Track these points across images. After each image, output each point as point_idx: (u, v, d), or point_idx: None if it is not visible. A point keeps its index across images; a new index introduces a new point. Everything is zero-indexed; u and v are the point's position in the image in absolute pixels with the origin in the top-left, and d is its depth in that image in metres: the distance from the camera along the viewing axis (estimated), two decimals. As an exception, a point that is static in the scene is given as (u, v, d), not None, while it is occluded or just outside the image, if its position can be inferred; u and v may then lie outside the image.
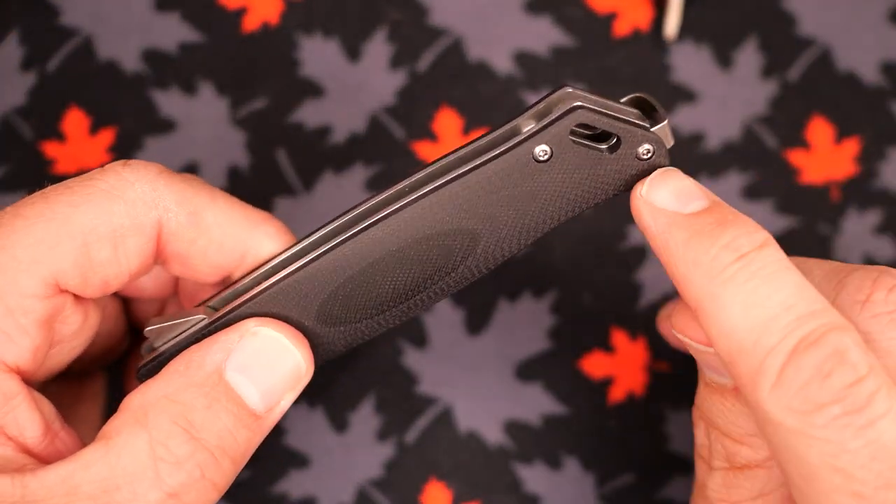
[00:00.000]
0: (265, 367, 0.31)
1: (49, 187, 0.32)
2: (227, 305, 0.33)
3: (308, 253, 0.32)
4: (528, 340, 0.44)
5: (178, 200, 0.33)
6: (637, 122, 0.32)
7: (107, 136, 0.44)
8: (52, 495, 0.28)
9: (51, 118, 0.45)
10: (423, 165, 0.33)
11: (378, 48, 0.45)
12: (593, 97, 0.32)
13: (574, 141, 0.32)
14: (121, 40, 0.45)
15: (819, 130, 0.45)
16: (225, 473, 0.31)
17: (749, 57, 0.45)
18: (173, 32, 0.45)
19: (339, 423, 0.43)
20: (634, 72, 0.45)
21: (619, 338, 0.44)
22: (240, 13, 0.45)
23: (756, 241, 0.29)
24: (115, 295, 0.37)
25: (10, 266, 0.31)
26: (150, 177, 0.33)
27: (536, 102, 0.32)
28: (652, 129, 0.32)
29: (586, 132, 0.33)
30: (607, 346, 0.43)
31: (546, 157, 0.32)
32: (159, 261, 0.34)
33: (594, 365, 0.43)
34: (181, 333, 0.33)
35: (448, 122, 0.45)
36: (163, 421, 0.29)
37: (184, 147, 0.44)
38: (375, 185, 0.44)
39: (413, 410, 0.43)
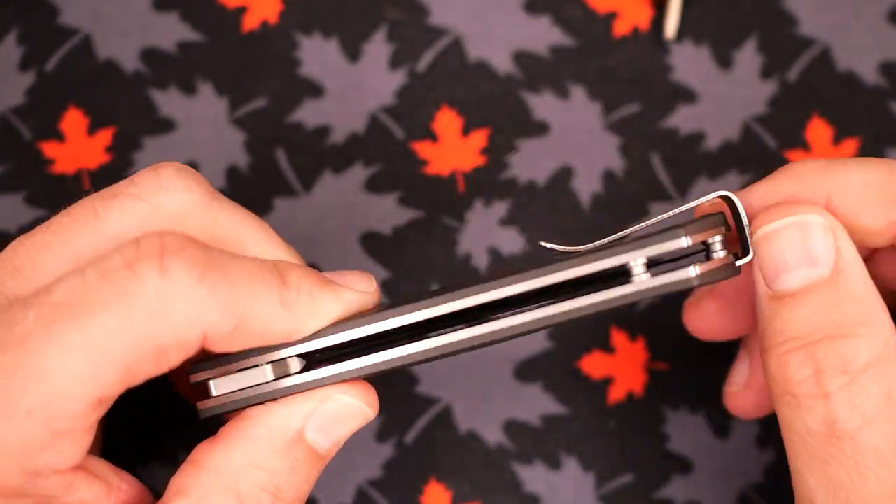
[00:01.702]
0: (342, 426, 0.33)
1: (73, 292, 0.30)
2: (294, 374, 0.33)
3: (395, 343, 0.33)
4: (528, 340, 0.44)
5: (223, 313, 0.31)
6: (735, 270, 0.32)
7: (105, 136, 0.44)
8: None
9: (49, 118, 0.44)
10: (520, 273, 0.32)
11: (378, 48, 0.45)
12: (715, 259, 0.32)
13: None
14: (120, 40, 0.45)
15: (818, 131, 0.45)
16: None
17: (749, 57, 0.45)
18: (172, 32, 0.45)
19: (339, 424, 0.43)
20: (634, 72, 0.45)
21: (618, 338, 0.43)
22: (239, 12, 0.45)
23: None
24: None
25: (52, 399, 0.30)
26: (193, 290, 0.30)
27: (648, 240, 0.31)
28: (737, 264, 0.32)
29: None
30: (607, 347, 0.43)
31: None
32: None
33: (594, 365, 0.43)
34: (245, 388, 0.33)
35: (448, 122, 0.45)
36: (252, 489, 0.32)
37: (183, 147, 0.44)
38: (375, 185, 0.44)
39: (413, 411, 0.43)
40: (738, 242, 0.33)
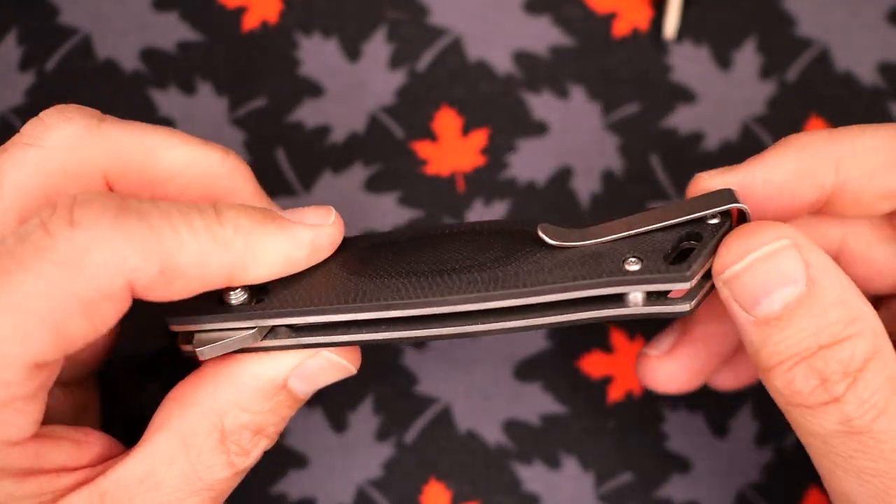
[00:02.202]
0: (323, 378, 0.35)
1: None
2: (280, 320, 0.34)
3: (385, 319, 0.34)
4: (527, 340, 0.44)
5: (144, 257, 0.31)
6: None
7: (105, 136, 0.44)
8: (133, 493, 0.32)
9: (49, 117, 0.44)
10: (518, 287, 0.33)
11: (377, 48, 0.45)
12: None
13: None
14: (119, 39, 0.45)
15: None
16: (272, 441, 0.35)
17: (748, 57, 0.45)
18: (172, 31, 0.45)
19: (339, 424, 0.43)
20: (634, 72, 0.45)
21: (617, 338, 0.44)
22: (239, 12, 0.45)
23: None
24: None
25: None
26: (105, 238, 0.30)
27: (651, 276, 0.32)
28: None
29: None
30: (606, 346, 0.44)
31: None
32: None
33: (593, 364, 0.43)
34: (230, 340, 0.34)
35: (448, 122, 0.45)
36: (236, 427, 0.34)
37: (183, 146, 0.44)
38: (375, 185, 0.44)
39: (412, 410, 0.43)
40: None
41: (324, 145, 0.44)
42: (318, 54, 0.45)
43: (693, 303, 0.32)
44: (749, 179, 0.33)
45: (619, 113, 0.45)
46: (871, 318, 0.31)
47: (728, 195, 0.33)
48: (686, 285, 0.31)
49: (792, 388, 0.31)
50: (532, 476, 0.43)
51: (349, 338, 0.34)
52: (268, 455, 0.43)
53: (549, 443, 0.43)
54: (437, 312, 0.33)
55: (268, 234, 0.33)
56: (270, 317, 0.33)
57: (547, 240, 0.33)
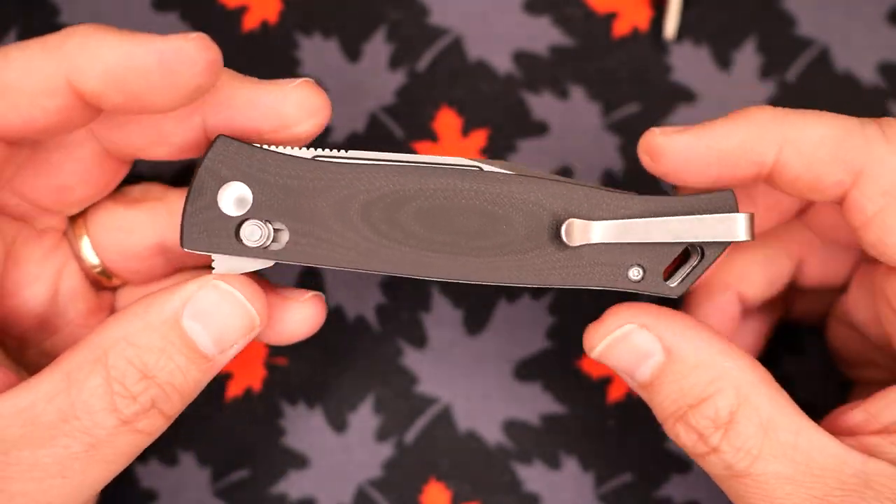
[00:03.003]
0: (220, 318, 0.33)
1: None
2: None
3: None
4: (528, 340, 0.44)
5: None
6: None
7: (106, 136, 0.44)
8: (8, 424, 0.31)
9: (49, 117, 0.44)
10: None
11: (378, 48, 0.45)
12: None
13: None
14: (120, 40, 0.45)
15: (817, 130, 0.45)
16: (174, 405, 0.33)
17: (748, 57, 0.45)
18: (172, 32, 0.45)
19: (339, 424, 0.43)
20: (634, 72, 0.45)
21: (618, 338, 0.44)
22: (239, 12, 0.45)
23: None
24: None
25: None
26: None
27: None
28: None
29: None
30: (606, 346, 0.44)
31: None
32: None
33: (593, 364, 0.43)
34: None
35: (448, 122, 0.45)
36: (120, 361, 0.32)
37: (183, 147, 0.44)
38: (375, 185, 0.44)
39: (412, 410, 0.43)
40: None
41: (324, 145, 0.44)
42: (318, 54, 0.45)
43: (682, 291, 0.35)
44: (694, 143, 0.34)
45: (619, 113, 0.45)
46: (732, 373, 0.34)
47: (743, 227, 0.34)
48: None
49: (680, 441, 0.35)
50: (532, 476, 0.43)
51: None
52: (268, 455, 0.43)
53: (549, 443, 0.43)
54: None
55: (105, 35, 0.32)
56: (285, 261, 0.34)
57: (566, 241, 0.34)
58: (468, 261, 0.34)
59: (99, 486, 0.33)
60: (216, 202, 0.34)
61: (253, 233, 0.34)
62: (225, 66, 0.45)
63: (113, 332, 0.32)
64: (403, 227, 0.34)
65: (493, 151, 0.44)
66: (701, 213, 0.34)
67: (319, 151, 0.35)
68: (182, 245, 0.33)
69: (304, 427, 0.43)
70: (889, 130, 0.33)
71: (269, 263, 0.34)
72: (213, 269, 0.34)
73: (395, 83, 0.45)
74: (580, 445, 0.43)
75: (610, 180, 0.44)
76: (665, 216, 0.34)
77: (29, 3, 0.45)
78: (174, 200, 0.37)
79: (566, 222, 0.34)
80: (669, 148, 0.34)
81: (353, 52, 0.45)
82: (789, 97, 0.45)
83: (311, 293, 0.37)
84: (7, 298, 0.37)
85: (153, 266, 0.38)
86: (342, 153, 0.35)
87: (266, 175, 0.34)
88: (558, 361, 0.43)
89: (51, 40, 0.32)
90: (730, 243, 0.34)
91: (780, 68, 0.45)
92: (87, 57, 0.31)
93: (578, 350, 0.44)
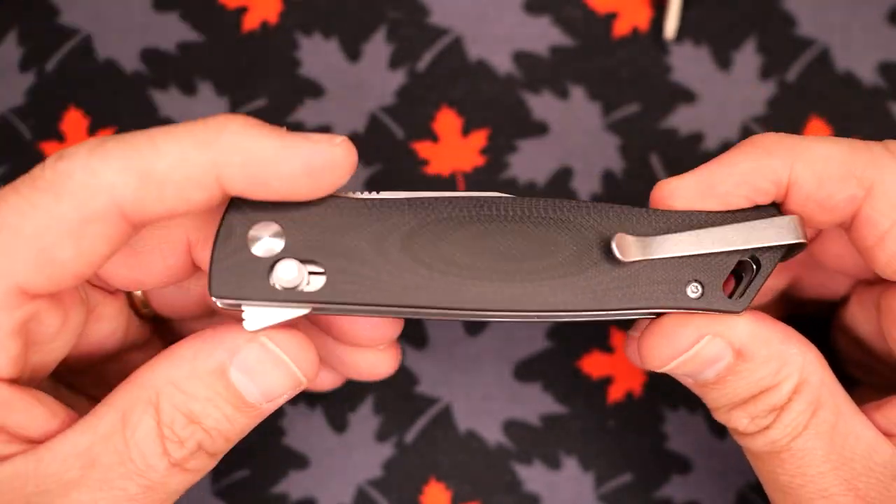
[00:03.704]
0: (266, 374, 0.33)
1: None
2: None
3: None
4: (528, 340, 0.44)
5: (121, 171, 0.31)
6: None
7: (106, 136, 0.44)
8: (68, 467, 0.32)
9: (50, 118, 0.44)
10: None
11: (378, 48, 0.45)
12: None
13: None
14: (120, 40, 0.45)
15: (817, 131, 0.45)
16: (220, 447, 0.33)
17: (748, 57, 0.45)
18: (172, 32, 0.45)
19: (339, 424, 0.43)
20: (634, 72, 0.45)
21: (618, 338, 0.44)
22: (239, 12, 0.45)
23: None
24: (118, 292, 0.38)
25: None
26: (83, 161, 0.31)
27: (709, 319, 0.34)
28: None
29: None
30: (606, 347, 0.44)
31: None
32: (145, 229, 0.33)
33: (593, 365, 0.43)
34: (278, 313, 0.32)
35: (448, 122, 0.45)
36: (168, 406, 0.32)
37: (183, 147, 0.44)
38: (375, 185, 0.44)
39: (412, 410, 0.43)
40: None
41: (324, 145, 0.44)
42: (318, 54, 0.45)
43: (745, 305, 0.34)
44: (708, 178, 0.34)
45: (619, 113, 0.45)
46: (796, 358, 0.34)
47: (792, 227, 0.34)
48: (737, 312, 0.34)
49: (730, 423, 0.35)
50: (532, 476, 0.43)
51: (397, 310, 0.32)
52: (269, 455, 0.43)
53: (549, 443, 0.43)
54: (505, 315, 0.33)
55: (256, 135, 0.32)
56: (322, 302, 0.32)
57: (619, 256, 0.33)
58: (522, 287, 0.32)
59: None
60: (246, 244, 0.32)
61: (287, 271, 0.32)
62: (225, 66, 0.45)
63: (163, 374, 0.32)
64: (448, 256, 0.32)
65: (493, 151, 0.44)
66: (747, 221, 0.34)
67: (350, 194, 0.33)
68: (210, 293, 0.32)
69: (304, 427, 0.43)
70: (893, 147, 0.33)
71: (305, 311, 0.32)
72: (245, 321, 0.32)
73: (395, 83, 0.45)
74: (580, 445, 0.43)
75: (610, 180, 0.44)
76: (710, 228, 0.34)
77: (29, 3, 0.45)
78: None
79: (616, 236, 0.33)
80: (681, 192, 0.34)
81: (353, 52, 0.45)
82: (789, 97, 0.45)
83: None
84: (85, 349, 0.37)
85: (200, 306, 0.38)
86: (372, 195, 0.33)
87: (296, 213, 0.32)
88: (558, 361, 0.43)
89: (201, 132, 0.31)
90: (785, 248, 0.34)
91: (780, 68, 0.45)
92: (239, 156, 0.31)
93: (578, 350, 0.44)
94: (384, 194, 0.33)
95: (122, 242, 0.32)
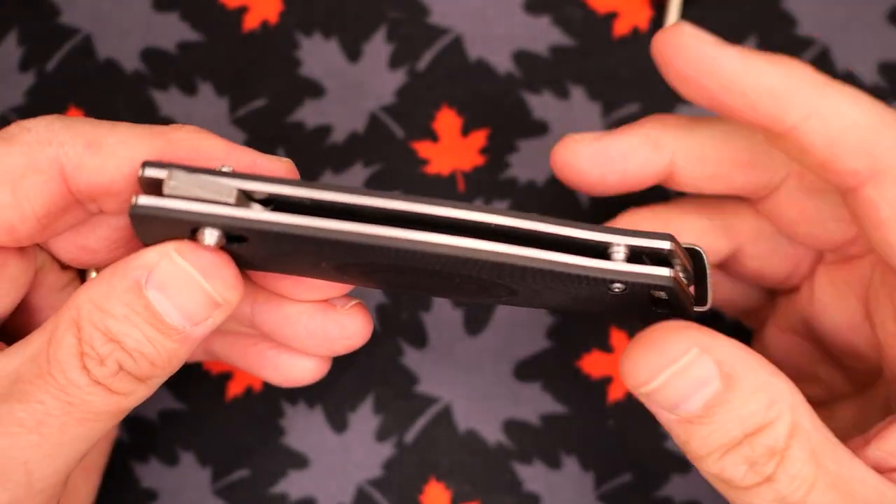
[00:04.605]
0: (179, 290, 0.32)
1: None
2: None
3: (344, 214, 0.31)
4: (528, 340, 0.44)
5: (74, 134, 0.33)
6: (692, 310, 0.32)
7: (106, 136, 0.44)
8: None
9: (50, 118, 0.44)
10: (498, 210, 0.31)
11: (378, 48, 0.45)
12: (683, 280, 0.31)
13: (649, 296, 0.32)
14: (120, 40, 0.45)
15: (817, 130, 0.45)
16: (146, 371, 0.32)
17: (748, 57, 0.45)
18: (173, 32, 0.45)
19: (339, 424, 0.43)
20: (634, 72, 0.45)
21: (617, 338, 0.44)
22: (239, 12, 0.45)
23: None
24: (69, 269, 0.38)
25: None
26: (48, 120, 0.33)
27: (637, 233, 0.31)
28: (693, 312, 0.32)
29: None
30: (606, 346, 0.44)
31: (619, 290, 0.31)
32: (79, 203, 0.34)
33: (593, 364, 0.43)
34: (199, 198, 0.31)
35: (448, 122, 0.45)
36: (87, 324, 0.32)
37: (183, 147, 0.44)
38: (375, 185, 0.44)
39: (412, 410, 0.43)
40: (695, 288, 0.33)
41: (324, 145, 0.44)
42: (318, 54, 0.45)
43: (672, 275, 0.31)
44: (603, 147, 0.35)
45: (619, 113, 0.45)
46: (786, 394, 0.31)
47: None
48: (665, 245, 0.31)
49: (724, 475, 0.31)
50: (532, 476, 0.43)
51: (330, 226, 0.30)
52: (268, 455, 0.43)
53: (549, 443, 0.43)
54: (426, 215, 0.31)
55: (209, 138, 0.33)
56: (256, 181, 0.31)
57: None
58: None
59: (80, 446, 0.32)
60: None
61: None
62: (225, 66, 0.45)
63: (86, 294, 0.32)
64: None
65: (493, 151, 0.44)
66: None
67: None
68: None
69: (304, 427, 0.43)
70: None
71: (231, 198, 0.31)
72: (167, 185, 0.31)
73: (395, 83, 0.45)
74: (580, 445, 0.43)
75: (610, 180, 0.44)
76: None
77: (29, 4, 0.45)
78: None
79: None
80: (710, 61, 0.32)
81: (353, 52, 0.45)
82: (789, 97, 0.45)
83: (353, 301, 0.36)
84: (28, 317, 0.37)
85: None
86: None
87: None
88: (558, 361, 0.43)
89: (159, 127, 0.33)
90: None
91: (781, 68, 0.45)
92: (185, 147, 0.33)
93: (578, 350, 0.44)
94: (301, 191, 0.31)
95: (58, 207, 0.33)
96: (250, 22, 0.45)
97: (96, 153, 0.32)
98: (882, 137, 0.31)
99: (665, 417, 0.32)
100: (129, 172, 0.33)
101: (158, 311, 0.32)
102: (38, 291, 0.37)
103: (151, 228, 0.31)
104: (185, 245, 0.32)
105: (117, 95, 0.45)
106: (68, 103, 0.45)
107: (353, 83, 0.45)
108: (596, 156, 0.35)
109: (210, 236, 0.31)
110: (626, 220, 0.39)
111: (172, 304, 0.32)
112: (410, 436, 0.43)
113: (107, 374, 0.32)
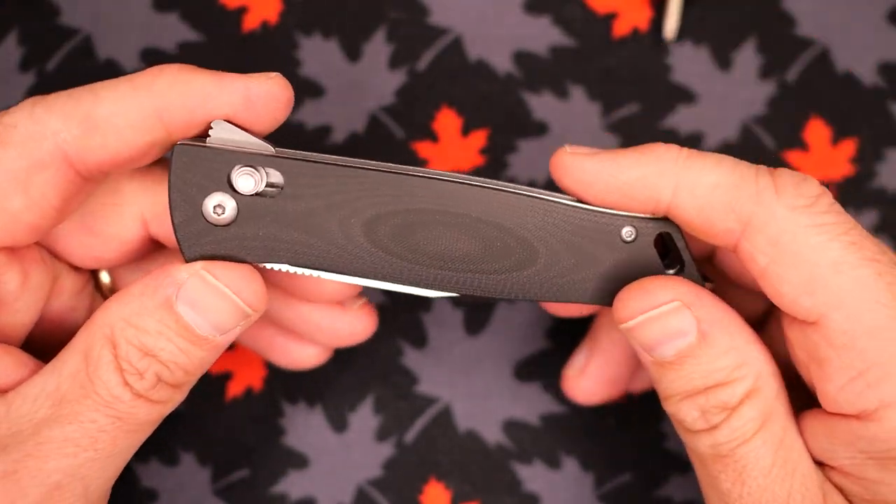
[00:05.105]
0: (211, 306, 0.34)
1: None
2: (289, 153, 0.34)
3: (381, 167, 0.34)
4: (527, 340, 0.44)
5: (63, 117, 0.33)
6: (696, 271, 0.35)
7: (106, 136, 0.44)
8: (38, 407, 0.33)
9: (50, 118, 0.44)
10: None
11: (378, 48, 0.45)
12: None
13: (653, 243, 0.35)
14: (120, 40, 0.45)
15: (816, 131, 0.45)
16: (181, 379, 0.34)
17: (748, 58, 0.45)
18: (173, 32, 0.45)
19: (339, 423, 0.43)
20: (634, 72, 0.45)
21: (618, 338, 0.44)
22: (239, 12, 0.45)
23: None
24: (81, 270, 0.38)
25: None
26: (27, 112, 0.33)
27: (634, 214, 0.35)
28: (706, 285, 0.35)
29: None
30: (606, 346, 0.44)
31: (631, 237, 0.34)
32: (91, 180, 0.34)
33: (593, 365, 0.44)
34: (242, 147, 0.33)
35: (448, 122, 0.45)
36: (122, 341, 0.33)
37: (183, 147, 0.44)
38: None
39: (412, 410, 0.43)
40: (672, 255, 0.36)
41: (324, 145, 0.44)
42: (318, 54, 0.45)
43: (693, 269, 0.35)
44: (597, 169, 0.35)
45: (619, 113, 0.45)
46: (756, 359, 0.34)
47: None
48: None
49: (678, 416, 0.34)
50: (532, 476, 0.43)
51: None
52: (268, 455, 0.43)
53: (549, 443, 0.43)
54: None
55: (192, 74, 0.34)
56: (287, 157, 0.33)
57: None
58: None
59: (127, 455, 0.34)
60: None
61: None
62: (225, 66, 0.45)
63: (116, 312, 0.33)
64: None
65: (493, 151, 0.44)
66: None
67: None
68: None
69: (304, 427, 0.43)
70: (780, 181, 0.33)
71: (267, 148, 0.33)
72: (210, 138, 0.33)
73: (395, 83, 0.45)
74: (580, 445, 0.43)
75: (610, 180, 0.44)
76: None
77: (29, 3, 0.45)
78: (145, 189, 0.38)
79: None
80: (575, 168, 0.34)
81: (353, 52, 0.45)
82: (789, 97, 0.45)
83: (362, 300, 0.39)
84: (50, 326, 0.38)
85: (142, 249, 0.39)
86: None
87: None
88: (558, 361, 0.43)
89: (140, 79, 0.33)
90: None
91: (780, 68, 0.45)
92: (177, 94, 0.33)
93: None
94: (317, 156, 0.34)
95: (72, 193, 0.34)
96: (250, 22, 0.45)
97: (94, 132, 0.33)
98: (741, 192, 0.33)
99: (644, 357, 0.35)
100: (132, 139, 0.33)
101: (190, 325, 0.34)
102: (58, 298, 0.37)
103: (187, 175, 0.33)
104: (214, 264, 0.34)
105: (117, 95, 0.45)
106: (68, 103, 0.44)
107: (352, 83, 0.45)
108: (594, 173, 0.35)
109: (246, 182, 0.33)
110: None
111: (202, 317, 0.34)
112: (410, 436, 0.43)
113: (147, 386, 0.33)
